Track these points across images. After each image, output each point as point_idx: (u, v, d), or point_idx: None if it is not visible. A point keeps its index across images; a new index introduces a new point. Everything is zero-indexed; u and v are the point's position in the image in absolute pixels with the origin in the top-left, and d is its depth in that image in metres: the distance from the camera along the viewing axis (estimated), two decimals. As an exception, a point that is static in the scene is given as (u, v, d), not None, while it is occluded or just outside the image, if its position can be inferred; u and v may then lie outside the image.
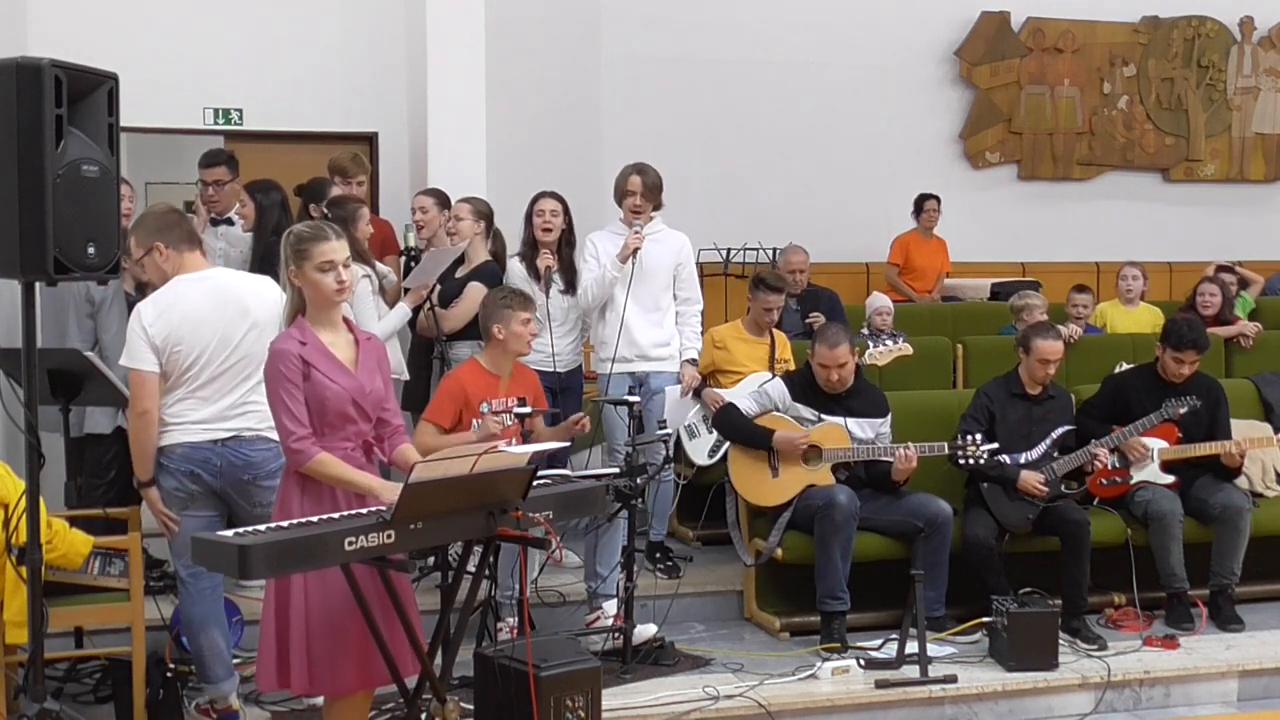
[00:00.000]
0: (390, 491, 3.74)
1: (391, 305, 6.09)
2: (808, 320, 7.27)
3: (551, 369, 6.15)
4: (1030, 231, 11.00)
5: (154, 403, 4.46)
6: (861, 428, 5.85)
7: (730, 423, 5.93)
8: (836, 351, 5.77)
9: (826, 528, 5.53)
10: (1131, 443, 6.01)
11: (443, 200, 6.78)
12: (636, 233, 6.16)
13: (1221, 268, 8.98)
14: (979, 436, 5.66)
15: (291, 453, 3.80)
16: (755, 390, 6.06)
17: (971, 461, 5.64)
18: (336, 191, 6.53)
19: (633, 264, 6.14)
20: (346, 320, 4.03)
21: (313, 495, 3.82)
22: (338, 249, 3.86)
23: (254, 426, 4.47)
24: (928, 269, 9.80)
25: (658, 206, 6.35)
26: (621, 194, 6.31)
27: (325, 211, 6.04)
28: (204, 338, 4.43)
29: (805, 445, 5.71)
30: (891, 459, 5.72)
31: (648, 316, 6.31)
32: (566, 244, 6.35)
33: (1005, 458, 5.80)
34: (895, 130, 10.63)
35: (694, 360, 6.40)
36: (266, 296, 4.56)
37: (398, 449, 4.05)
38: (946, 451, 5.70)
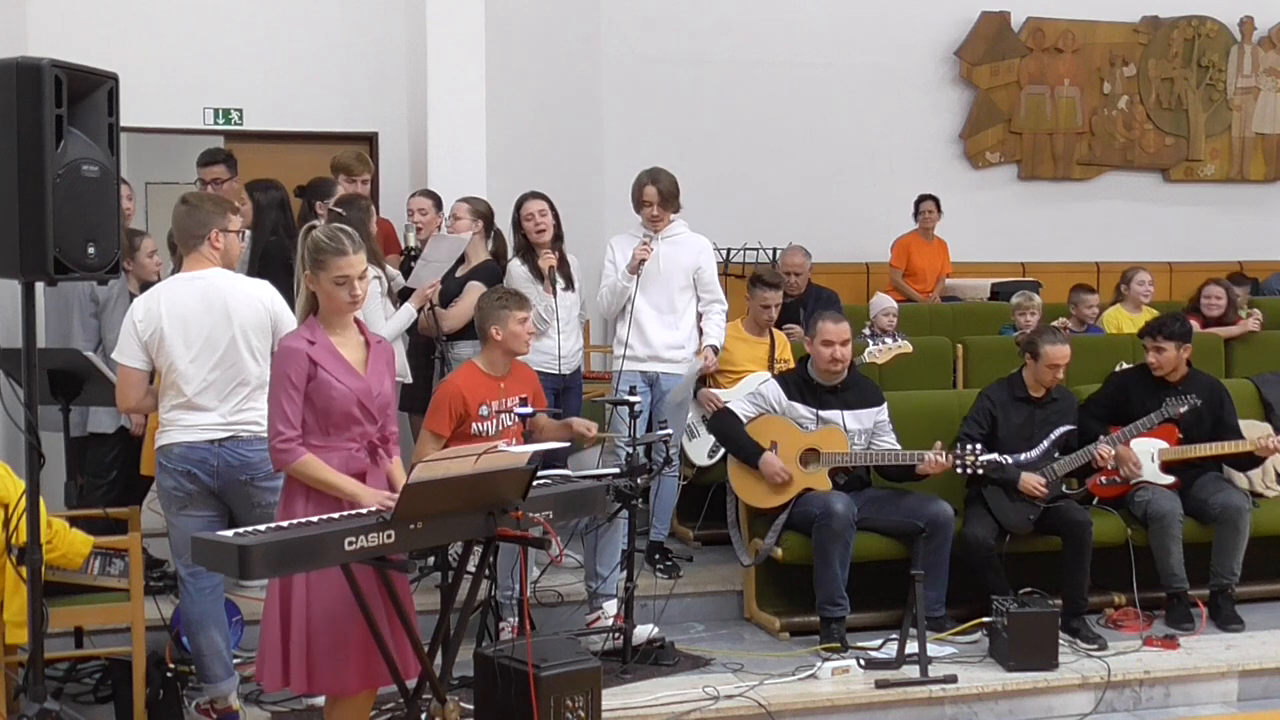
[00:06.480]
0: (370, 498, 3.75)
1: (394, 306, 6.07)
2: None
3: (556, 370, 6.15)
4: (1030, 231, 11.01)
5: (138, 399, 4.54)
6: (858, 419, 5.85)
7: (724, 430, 5.93)
8: (841, 326, 5.82)
9: (824, 536, 5.53)
10: (1121, 452, 6.00)
11: (439, 200, 6.80)
12: (644, 244, 6.17)
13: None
14: (979, 446, 5.65)
15: (275, 452, 3.81)
16: (752, 393, 6.05)
17: (970, 470, 5.64)
18: (340, 190, 6.52)
19: (639, 275, 6.17)
20: (358, 321, 4.03)
21: (317, 497, 3.83)
22: (354, 263, 3.85)
23: (252, 428, 4.47)
24: (928, 270, 9.80)
25: (675, 210, 6.36)
26: (638, 203, 6.32)
27: (333, 210, 5.98)
28: (189, 336, 4.41)
29: (786, 478, 5.71)
30: (892, 463, 5.74)
31: (663, 318, 6.31)
32: (556, 239, 6.32)
33: (1007, 458, 5.80)
34: (895, 130, 10.64)
35: (715, 348, 6.38)
36: (256, 300, 4.51)
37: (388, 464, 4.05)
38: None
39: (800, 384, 5.89)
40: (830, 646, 5.49)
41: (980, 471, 5.64)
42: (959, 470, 5.65)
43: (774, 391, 5.91)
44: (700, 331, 6.43)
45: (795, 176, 10.26)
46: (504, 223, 6.61)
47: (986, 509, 5.81)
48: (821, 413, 5.82)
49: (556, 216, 6.30)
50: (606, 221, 8.39)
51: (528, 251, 6.26)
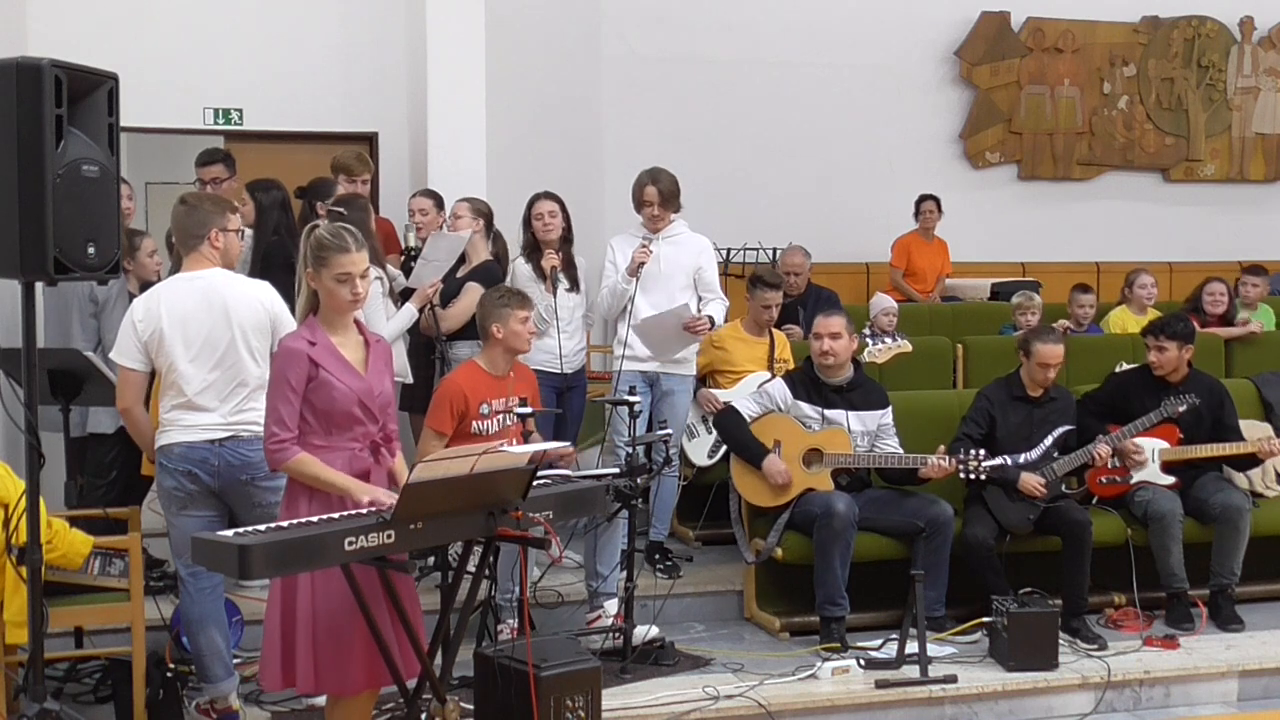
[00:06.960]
0: (362, 492, 3.75)
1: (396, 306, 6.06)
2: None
3: (558, 370, 6.16)
4: (1030, 231, 11.01)
5: (136, 400, 4.53)
6: (863, 421, 5.85)
7: (729, 429, 5.93)
8: (830, 320, 5.82)
9: (825, 535, 5.53)
10: (1126, 445, 6.00)
11: (440, 200, 6.79)
12: (643, 247, 6.17)
13: (1250, 269, 8.90)
14: (982, 451, 5.65)
15: (270, 453, 3.82)
16: (756, 391, 6.06)
17: (972, 476, 5.63)
18: (340, 190, 6.51)
19: (639, 278, 6.17)
20: (357, 321, 4.03)
21: (320, 497, 3.83)
22: (357, 261, 3.85)
23: (252, 427, 4.46)
24: (928, 270, 9.80)
25: (676, 210, 6.36)
26: (639, 203, 6.32)
27: (333, 209, 5.96)
28: (189, 337, 4.41)
29: (787, 479, 5.71)
30: (892, 465, 5.74)
31: None
32: (565, 240, 6.34)
33: (1006, 459, 5.79)
34: (895, 130, 10.63)
35: (712, 319, 6.30)
36: (256, 300, 4.51)
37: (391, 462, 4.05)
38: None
39: (807, 383, 5.89)
40: (830, 646, 5.49)
41: (984, 477, 5.65)
42: (962, 475, 5.65)
43: (780, 390, 5.91)
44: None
45: (795, 176, 10.26)
46: (505, 222, 6.61)
47: (986, 509, 5.81)
48: (827, 412, 5.82)
49: (567, 218, 6.32)
50: (607, 221, 8.39)
51: (534, 250, 6.27)
